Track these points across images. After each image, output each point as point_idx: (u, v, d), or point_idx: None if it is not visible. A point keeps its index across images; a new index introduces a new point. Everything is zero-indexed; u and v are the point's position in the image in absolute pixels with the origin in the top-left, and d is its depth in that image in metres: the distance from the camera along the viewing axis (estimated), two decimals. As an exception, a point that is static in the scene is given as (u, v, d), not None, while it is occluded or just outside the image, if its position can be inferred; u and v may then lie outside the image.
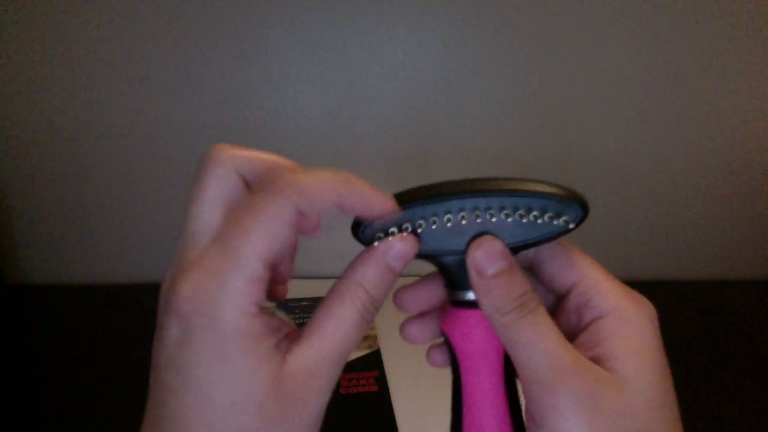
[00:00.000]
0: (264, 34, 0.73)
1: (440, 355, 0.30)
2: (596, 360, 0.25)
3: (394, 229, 0.26)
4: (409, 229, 0.26)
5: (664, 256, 0.88)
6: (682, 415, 0.25)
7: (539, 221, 0.25)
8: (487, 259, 0.25)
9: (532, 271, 0.29)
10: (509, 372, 0.27)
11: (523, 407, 0.27)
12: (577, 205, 0.26)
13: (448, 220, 0.26)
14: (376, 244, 0.26)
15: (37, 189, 0.80)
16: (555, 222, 0.25)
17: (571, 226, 0.26)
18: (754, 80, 0.77)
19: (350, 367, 0.65)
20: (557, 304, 0.29)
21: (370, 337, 0.70)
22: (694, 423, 0.25)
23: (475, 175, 0.26)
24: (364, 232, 0.26)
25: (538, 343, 0.24)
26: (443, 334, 0.28)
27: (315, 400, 0.24)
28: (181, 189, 0.90)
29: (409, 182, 0.27)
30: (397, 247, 0.26)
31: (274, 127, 0.78)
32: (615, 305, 0.26)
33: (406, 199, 0.26)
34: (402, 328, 0.30)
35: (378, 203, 0.25)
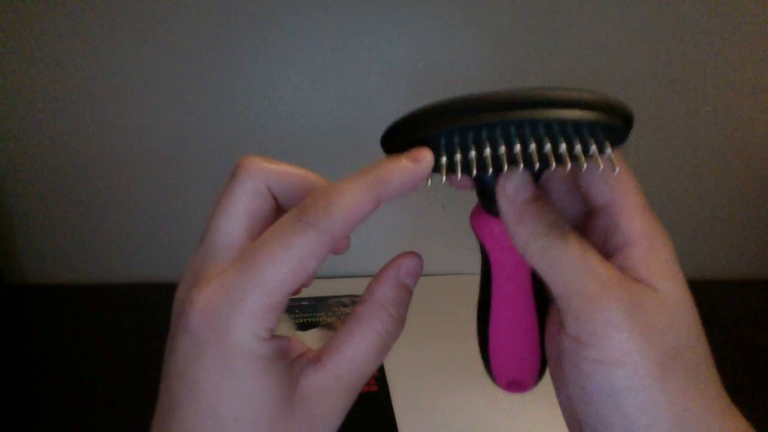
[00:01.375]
0: (264, 34, 0.73)
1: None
2: None
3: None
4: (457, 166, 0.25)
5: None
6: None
7: (573, 147, 0.24)
8: (518, 188, 0.25)
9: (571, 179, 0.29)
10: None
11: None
12: (617, 125, 0.25)
13: (483, 142, 0.25)
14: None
15: (38, 189, 0.80)
16: (590, 146, 0.25)
17: (609, 150, 0.25)
18: (755, 78, 0.77)
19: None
20: (587, 220, 0.28)
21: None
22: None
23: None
24: None
25: (579, 260, 0.24)
26: (474, 230, 0.29)
27: (327, 423, 0.24)
28: (182, 189, 0.90)
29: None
30: (407, 264, 0.26)
31: (274, 127, 0.78)
32: (644, 231, 0.25)
33: (441, 116, 0.26)
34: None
35: (417, 175, 0.24)
